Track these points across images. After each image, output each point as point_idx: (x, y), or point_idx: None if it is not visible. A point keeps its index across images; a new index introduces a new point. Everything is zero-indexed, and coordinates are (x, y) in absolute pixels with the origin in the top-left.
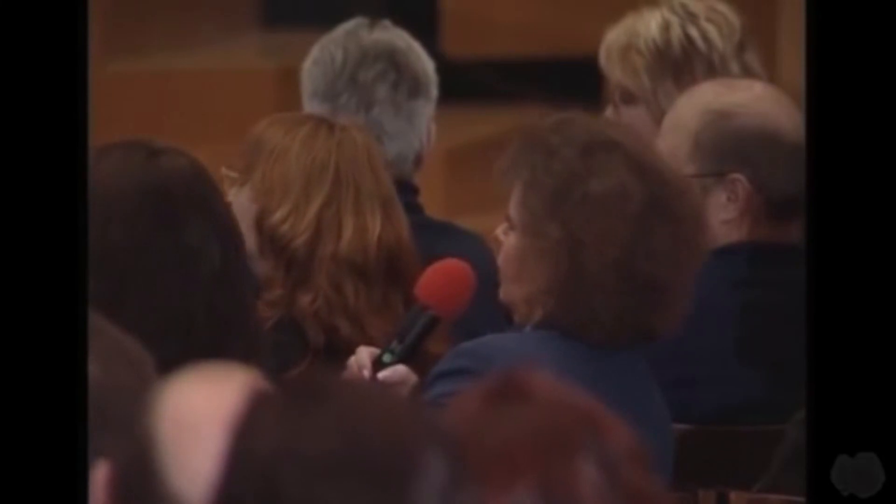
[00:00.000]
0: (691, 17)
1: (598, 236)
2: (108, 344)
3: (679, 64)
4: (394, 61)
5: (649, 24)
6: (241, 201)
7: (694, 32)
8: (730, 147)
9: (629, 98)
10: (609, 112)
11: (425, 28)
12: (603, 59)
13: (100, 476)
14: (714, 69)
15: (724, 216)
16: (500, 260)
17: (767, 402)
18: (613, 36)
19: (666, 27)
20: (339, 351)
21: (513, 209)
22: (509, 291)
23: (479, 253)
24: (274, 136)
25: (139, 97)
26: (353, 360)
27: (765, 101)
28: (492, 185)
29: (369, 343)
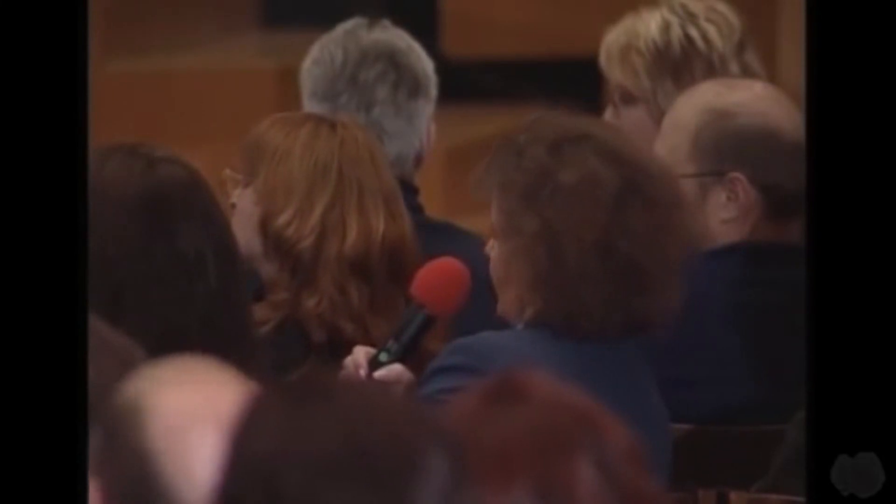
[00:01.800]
0: (691, 17)
1: (574, 224)
2: (96, 341)
3: (678, 64)
4: (394, 61)
5: (649, 25)
6: (244, 204)
7: (694, 33)
8: (730, 146)
9: (629, 99)
10: (609, 113)
11: (425, 28)
12: (603, 60)
13: (95, 493)
14: (714, 69)
15: (724, 215)
16: (491, 272)
17: (767, 402)
18: (613, 36)
19: (666, 27)
20: (342, 350)
21: (493, 215)
22: (503, 300)
23: (478, 253)
24: (275, 137)
25: (139, 97)
26: (349, 359)
27: (765, 100)
28: None
29: (372, 343)
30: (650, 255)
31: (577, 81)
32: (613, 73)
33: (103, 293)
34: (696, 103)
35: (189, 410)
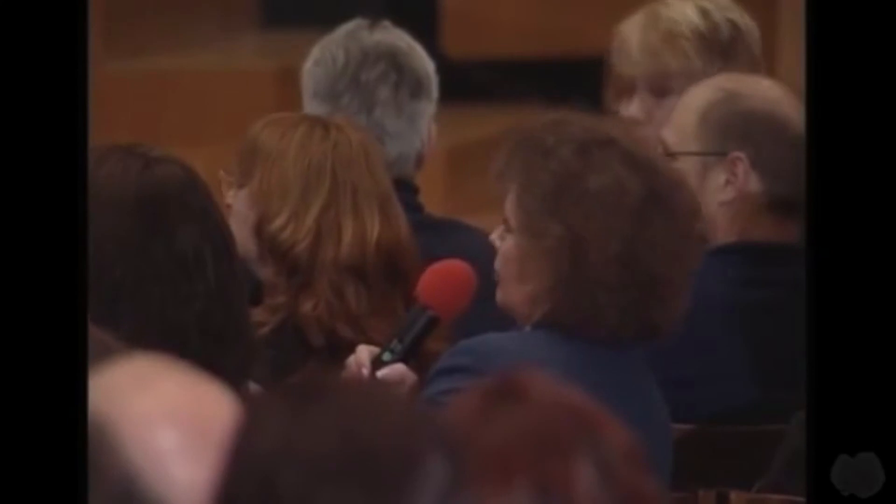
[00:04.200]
0: (722, 8)
1: (599, 232)
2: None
3: (726, 47)
4: (395, 62)
5: (684, 12)
6: (239, 206)
7: (734, 16)
8: (736, 126)
9: (662, 90)
10: (636, 106)
11: (425, 28)
12: (636, 53)
13: None
14: (752, 56)
15: (721, 197)
16: (498, 263)
17: (767, 402)
18: (640, 29)
19: (705, 13)
20: (340, 353)
21: (509, 211)
22: (509, 293)
23: (481, 248)
24: (269, 139)
25: (138, 97)
26: (352, 358)
27: (777, 92)
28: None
29: (369, 344)
30: (669, 264)
31: (577, 81)
32: (655, 61)
33: (102, 293)
34: (708, 84)
35: (152, 416)
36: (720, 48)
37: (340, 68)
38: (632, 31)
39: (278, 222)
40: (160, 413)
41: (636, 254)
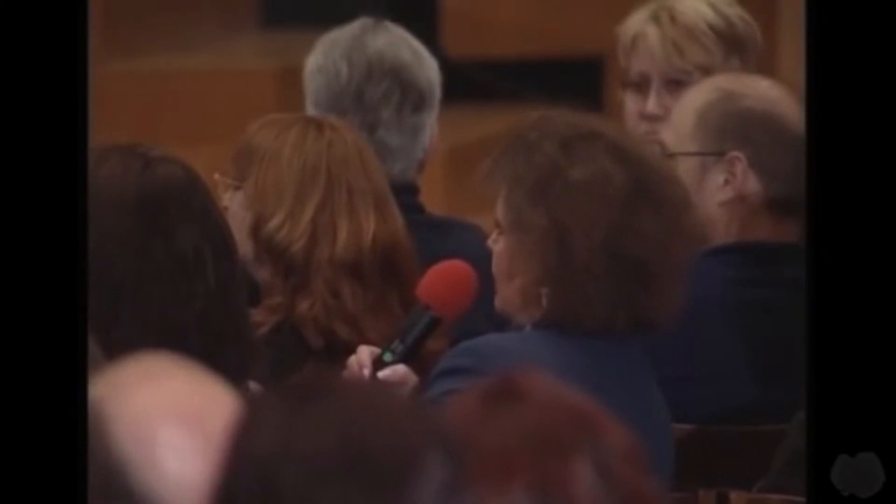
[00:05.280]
0: (727, 4)
1: (584, 222)
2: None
3: (740, 41)
4: (399, 78)
5: (698, 8)
6: (235, 208)
7: (741, 13)
8: (733, 126)
9: (675, 84)
10: (652, 103)
11: (425, 28)
12: (657, 48)
13: None
14: (759, 55)
15: (720, 197)
16: (493, 266)
17: (767, 402)
18: (655, 25)
19: (715, 8)
20: (339, 354)
21: (499, 210)
22: (504, 294)
23: (483, 247)
24: (264, 140)
25: (138, 97)
26: (353, 358)
27: (775, 92)
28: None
29: (367, 344)
30: (657, 255)
31: (577, 81)
32: (678, 56)
33: (102, 293)
34: (706, 84)
35: (153, 411)
36: (735, 42)
37: (344, 82)
38: (646, 28)
39: (274, 223)
40: (163, 409)
41: (622, 244)
